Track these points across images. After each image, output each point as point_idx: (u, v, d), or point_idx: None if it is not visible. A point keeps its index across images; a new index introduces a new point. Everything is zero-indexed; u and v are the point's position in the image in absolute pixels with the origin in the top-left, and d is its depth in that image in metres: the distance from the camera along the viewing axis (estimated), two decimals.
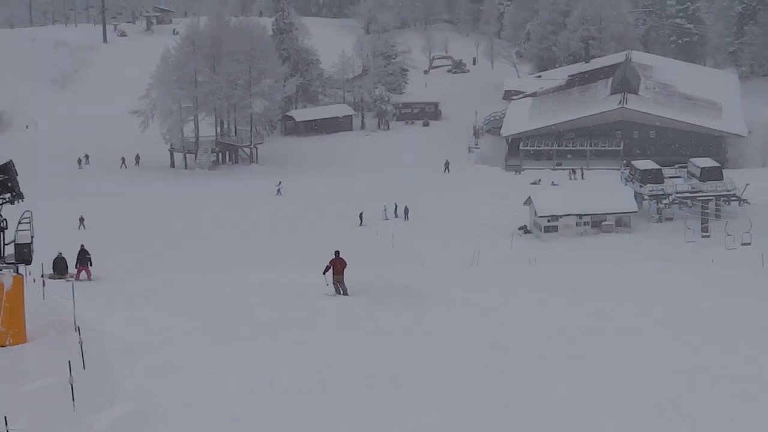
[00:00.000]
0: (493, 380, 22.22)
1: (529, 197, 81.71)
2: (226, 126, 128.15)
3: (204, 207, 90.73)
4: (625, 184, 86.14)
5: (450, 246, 71.01)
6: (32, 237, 27.85)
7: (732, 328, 30.96)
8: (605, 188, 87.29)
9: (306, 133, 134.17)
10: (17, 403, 19.85)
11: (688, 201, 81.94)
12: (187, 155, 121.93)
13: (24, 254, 27.46)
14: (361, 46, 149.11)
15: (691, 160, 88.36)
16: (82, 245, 44.79)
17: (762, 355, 26.85)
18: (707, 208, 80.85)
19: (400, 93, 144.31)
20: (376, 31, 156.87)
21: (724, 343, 28.53)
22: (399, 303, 34.50)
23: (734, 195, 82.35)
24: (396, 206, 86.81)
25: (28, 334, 25.72)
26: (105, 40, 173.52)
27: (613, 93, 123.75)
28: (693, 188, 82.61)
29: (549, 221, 79.21)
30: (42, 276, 38.71)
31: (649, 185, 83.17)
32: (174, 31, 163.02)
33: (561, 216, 79.40)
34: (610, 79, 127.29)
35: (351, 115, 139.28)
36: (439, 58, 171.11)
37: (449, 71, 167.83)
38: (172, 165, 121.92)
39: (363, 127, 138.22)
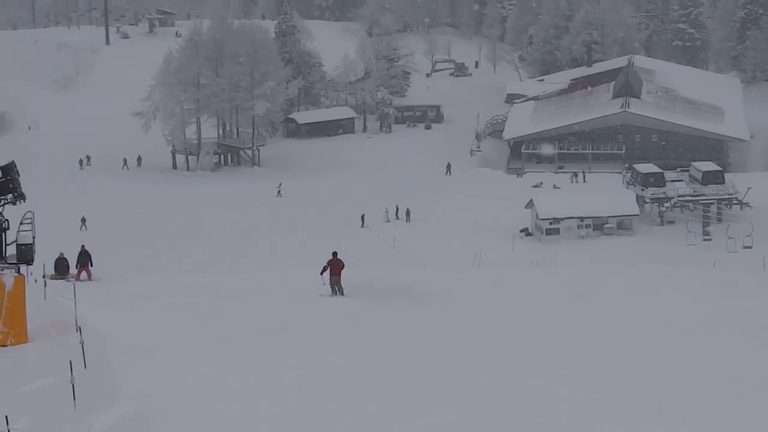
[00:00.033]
0: (493, 381, 22.23)
1: (531, 200, 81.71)
2: (228, 128, 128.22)
3: (205, 208, 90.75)
4: (627, 188, 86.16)
5: (451, 248, 71.00)
6: (34, 237, 27.89)
7: (732, 329, 30.98)
8: (607, 191, 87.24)
9: (308, 135, 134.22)
10: (18, 402, 19.88)
11: (690, 204, 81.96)
12: (189, 157, 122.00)
13: (25, 255, 27.51)
14: (364, 49, 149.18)
15: (693, 163, 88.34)
16: (83, 246, 44.91)
17: (762, 356, 26.86)
18: (709, 212, 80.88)
19: (403, 96, 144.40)
20: (378, 34, 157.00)
21: (725, 344, 28.56)
22: (399, 303, 34.55)
23: (736, 198, 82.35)
24: (397, 208, 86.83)
25: (29, 334, 25.76)
26: (107, 42, 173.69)
27: (615, 97, 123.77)
28: (695, 192, 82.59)
29: (551, 224, 79.19)
30: (43, 276, 38.76)
31: (650, 189, 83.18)
32: (177, 33, 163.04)
33: (563, 219, 79.38)
34: (613, 83, 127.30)
35: (353, 118, 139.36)
36: (441, 62, 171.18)
37: (451, 74, 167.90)
38: (174, 167, 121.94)
39: (365, 129, 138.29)
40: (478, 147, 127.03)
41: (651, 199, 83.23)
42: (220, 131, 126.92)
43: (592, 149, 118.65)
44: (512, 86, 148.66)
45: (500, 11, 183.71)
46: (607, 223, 79.93)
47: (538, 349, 26.66)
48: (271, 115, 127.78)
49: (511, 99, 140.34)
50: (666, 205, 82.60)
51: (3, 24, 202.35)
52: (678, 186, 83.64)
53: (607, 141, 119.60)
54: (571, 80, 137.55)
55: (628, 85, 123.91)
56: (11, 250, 27.75)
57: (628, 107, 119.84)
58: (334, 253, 37.31)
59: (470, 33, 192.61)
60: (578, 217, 79.78)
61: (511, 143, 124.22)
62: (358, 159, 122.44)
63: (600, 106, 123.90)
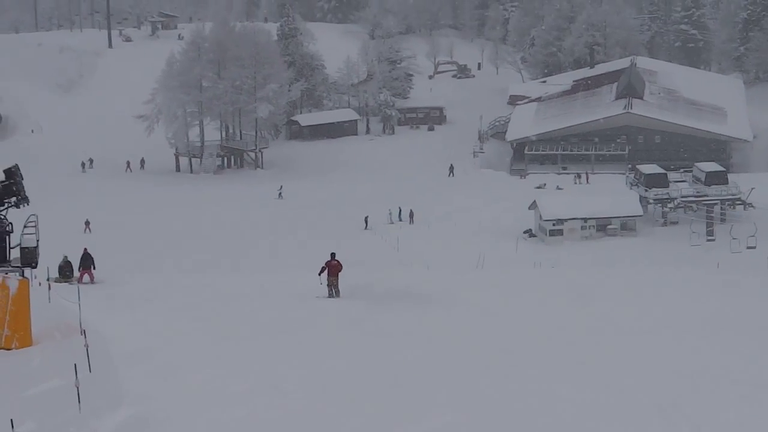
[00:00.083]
0: (495, 382, 22.22)
1: (534, 201, 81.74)
2: (231, 130, 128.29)
3: (207, 210, 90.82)
4: (630, 189, 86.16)
5: (455, 249, 71.03)
6: (38, 241, 27.93)
7: (734, 330, 30.97)
8: (610, 192, 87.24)
9: (311, 137, 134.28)
10: (23, 406, 19.87)
11: (693, 205, 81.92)
12: (192, 159, 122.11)
13: (30, 258, 27.55)
14: (366, 51, 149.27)
15: (696, 164, 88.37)
16: (85, 249, 44.99)
17: (764, 357, 26.86)
18: (712, 212, 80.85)
19: (405, 98, 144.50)
20: (381, 37, 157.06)
21: (727, 345, 28.54)
22: (402, 305, 34.56)
23: (739, 199, 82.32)
24: (400, 210, 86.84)
25: (33, 337, 25.75)
26: (110, 45, 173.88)
27: (618, 98, 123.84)
28: (698, 192, 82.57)
29: (554, 225, 79.22)
30: (47, 279, 38.77)
31: (654, 189, 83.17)
32: (179, 36, 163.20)
33: (566, 220, 79.41)
34: (615, 85, 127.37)
35: (356, 120, 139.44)
36: (444, 63, 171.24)
37: (454, 76, 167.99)
38: (177, 169, 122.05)
39: (368, 131, 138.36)
40: (481, 148, 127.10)
41: (654, 199, 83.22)
42: (223, 134, 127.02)
43: (595, 150, 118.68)
44: (515, 88, 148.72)
45: (502, 13, 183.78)
46: (610, 224, 79.93)
47: (541, 351, 26.64)
48: (274, 118, 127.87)
49: (513, 100, 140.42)
50: (669, 205, 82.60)
51: (6, 27, 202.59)
52: (681, 187, 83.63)
53: (610, 142, 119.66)
54: (573, 81, 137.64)
55: (630, 87, 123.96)
56: (15, 254, 27.79)
57: (631, 108, 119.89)
58: (332, 254, 37.41)
59: (472, 35, 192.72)
60: (581, 218, 79.79)
61: (514, 144, 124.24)
62: (361, 161, 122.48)
63: (603, 108, 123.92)
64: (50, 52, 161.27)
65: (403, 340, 27.87)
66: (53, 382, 21.34)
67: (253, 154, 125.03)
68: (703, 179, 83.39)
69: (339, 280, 37.05)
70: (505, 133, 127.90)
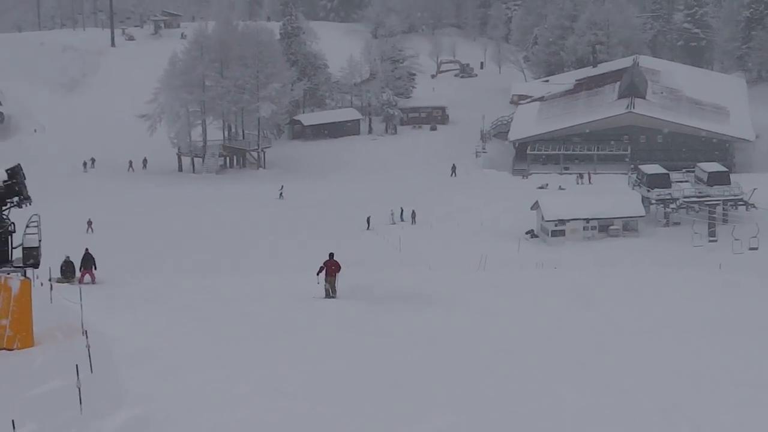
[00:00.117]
0: (497, 384, 22.24)
1: (537, 201, 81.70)
2: (233, 130, 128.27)
3: (209, 210, 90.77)
4: (633, 189, 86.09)
5: (457, 249, 70.98)
6: (40, 241, 27.93)
7: (736, 331, 30.97)
8: (612, 192, 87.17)
9: (313, 137, 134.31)
10: (24, 406, 19.89)
11: (696, 205, 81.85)
12: (195, 159, 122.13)
13: (32, 258, 27.54)
14: (369, 50, 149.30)
15: (699, 164, 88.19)
16: (87, 249, 45.03)
17: (766, 358, 26.84)
18: (714, 213, 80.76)
19: (408, 97, 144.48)
20: (383, 36, 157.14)
21: (728, 346, 28.54)
22: (404, 306, 34.57)
23: (742, 199, 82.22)
24: (402, 210, 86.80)
25: (35, 337, 25.77)
26: (113, 44, 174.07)
27: (620, 97, 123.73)
28: (700, 193, 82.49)
29: (556, 225, 79.15)
30: (49, 280, 38.80)
31: (656, 190, 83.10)
32: (182, 35, 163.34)
33: (568, 220, 79.35)
34: (618, 84, 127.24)
35: (358, 120, 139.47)
36: (446, 63, 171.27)
37: (457, 75, 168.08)
38: (180, 169, 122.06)
39: (370, 131, 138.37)
40: (484, 148, 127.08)
41: (656, 200, 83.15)
42: (226, 133, 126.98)
43: (598, 150, 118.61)
44: (517, 87, 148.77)
45: (505, 12, 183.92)
46: (612, 224, 79.86)
47: (542, 352, 26.67)
48: (277, 117, 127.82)
49: (516, 100, 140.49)
50: (671, 206, 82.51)
51: (8, 26, 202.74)
52: (683, 187, 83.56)
53: (613, 142, 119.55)
54: (576, 81, 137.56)
55: (633, 86, 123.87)
56: (17, 254, 27.79)
57: (634, 108, 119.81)
58: (331, 254, 37.48)
59: (475, 34, 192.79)
60: (584, 219, 79.71)
61: (517, 144, 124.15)
62: (363, 161, 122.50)
63: (605, 107, 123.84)
64: (53, 51, 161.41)
65: (405, 340, 27.89)
66: (55, 382, 21.36)
67: (255, 154, 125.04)
68: (705, 179, 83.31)
69: (337, 280, 37.10)
70: (507, 132, 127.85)
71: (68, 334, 26.35)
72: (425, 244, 74.50)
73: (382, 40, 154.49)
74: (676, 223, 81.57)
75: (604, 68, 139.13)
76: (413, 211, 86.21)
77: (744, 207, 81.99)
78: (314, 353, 25.51)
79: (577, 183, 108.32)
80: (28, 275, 27.64)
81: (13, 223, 27.58)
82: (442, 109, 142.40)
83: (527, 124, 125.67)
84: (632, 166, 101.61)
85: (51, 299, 31.21)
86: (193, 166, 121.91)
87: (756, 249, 69.06)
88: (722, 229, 77.49)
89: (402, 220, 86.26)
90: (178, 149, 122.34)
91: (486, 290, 40.22)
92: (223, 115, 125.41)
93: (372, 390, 21.49)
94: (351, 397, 20.85)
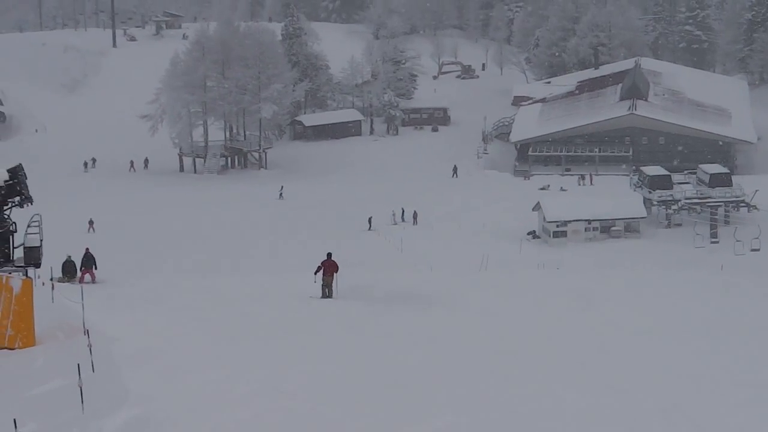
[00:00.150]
0: (498, 385, 22.21)
1: (538, 203, 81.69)
2: (235, 130, 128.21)
3: (210, 210, 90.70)
4: (634, 190, 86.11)
5: (458, 250, 70.98)
6: (41, 240, 27.93)
7: (737, 332, 30.94)
8: (614, 194, 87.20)
9: (315, 138, 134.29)
10: (26, 406, 19.88)
11: (697, 207, 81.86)
12: (196, 160, 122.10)
13: (33, 257, 27.54)
14: (371, 51, 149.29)
15: (700, 166, 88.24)
16: (87, 249, 45.05)
17: (767, 359, 26.86)
18: (716, 214, 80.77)
19: (409, 98, 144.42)
20: (385, 37, 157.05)
21: (730, 347, 28.52)
22: (405, 306, 34.54)
23: (743, 201, 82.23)
24: (403, 211, 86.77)
25: (37, 337, 25.76)
26: (114, 44, 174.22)
27: (622, 99, 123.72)
28: (702, 194, 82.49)
29: (558, 227, 79.16)
30: (51, 279, 38.80)
31: (658, 191, 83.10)
32: (183, 35, 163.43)
33: (570, 221, 79.36)
34: (620, 86, 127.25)
35: (360, 121, 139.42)
36: (448, 64, 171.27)
37: (458, 77, 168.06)
38: (181, 169, 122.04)
39: (372, 132, 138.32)
40: (485, 149, 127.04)
41: (658, 201, 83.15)
42: (227, 134, 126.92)
43: (599, 152, 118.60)
44: (519, 88, 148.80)
45: (507, 13, 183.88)
46: (614, 225, 79.86)
47: (544, 353, 26.64)
48: (278, 118, 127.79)
49: (517, 101, 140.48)
50: (673, 207, 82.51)
51: (10, 26, 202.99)
52: (685, 188, 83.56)
53: (614, 143, 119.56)
54: (578, 82, 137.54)
55: (635, 88, 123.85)
56: (19, 253, 27.79)
57: (635, 109, 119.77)
58: (329, 254, 37.52)
59: (477, 35, 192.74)
60: (585, 220, 79.73)
61: (518, 146, 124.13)
62: (365, 161, 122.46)
63: (607, 109, 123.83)
64: (54, 51, 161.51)
65: (405, 341, 27.86)
66: (56, 382, 21.35)
67: (256, 155, 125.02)
68: (707, 181, 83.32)
69: (335, 281, 37.13)
70: (509, 134, 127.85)
71: (69, 333, 26.35)
72: (426, 244, 74.49)
73: (384, 41, 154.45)
74: (678, 225, 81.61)
75: (605, 70, 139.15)
76: (415, 212, 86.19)
77: (745, 208, 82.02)
78: (315, 353, 25.48)
79: (579, 184, 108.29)
80: (29, 275, 27.62)
81: (14, 222, 27.57)
82: (444, 110, 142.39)
83: (529, 125, 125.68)
84: (634, 167, 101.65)
85: (52, 299, 31.21)
86: (195, 166, 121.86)
87: (758, 250, 69.11)
88: (724, 230, 77.50)
89: (403, 220, 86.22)
90: (180, 149, 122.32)
91: (488, 291, 40.18)
92: (225, 116, 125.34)
93: (373, 390, 21.47)
94: (352, 398, 20.82)
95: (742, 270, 56.00)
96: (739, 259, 66.95)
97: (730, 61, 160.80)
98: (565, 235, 79.01)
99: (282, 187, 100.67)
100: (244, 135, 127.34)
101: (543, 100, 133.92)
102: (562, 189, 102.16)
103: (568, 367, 24.72)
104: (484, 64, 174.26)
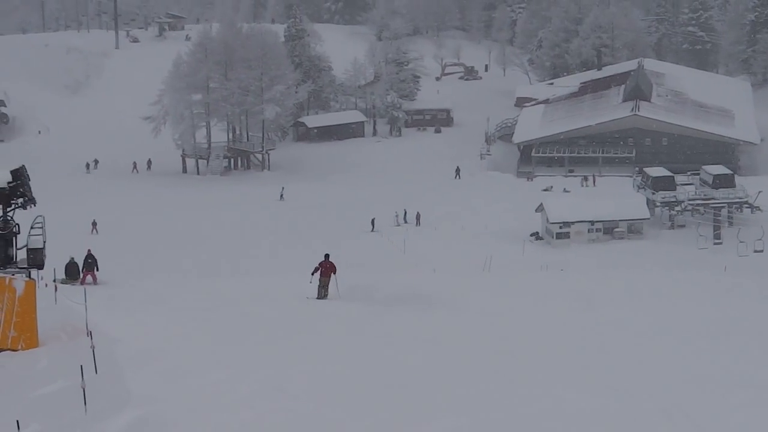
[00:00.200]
0: (501, 386, 22.18)
1: (541, 204, 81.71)
2: (237, 132, 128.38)
3: (212, 212, 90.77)
4: (637, 191, 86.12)
5: (461, 252, 71.00)
6: (44, 242, 27.90)
7: (740, 334, 30.92)
8: (617, 195, 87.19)
9: (318, 139, 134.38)
10: (29, 407, 19.87)
11: (701, 208, 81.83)
12: (199, 161, 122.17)
13: (36, 259, 27.51)
14: (373, 52, 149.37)
15: (704, 167, 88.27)
16: (89, 250, 45.09)
17: None
18: (719, 216, 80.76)
19: (412, 100, 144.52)
20: (388, 38, 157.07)
21: (733, 349, 28.50)
22: (408, 308, 34.53)
23: (747, 202, 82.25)
24: (406, 212, 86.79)
25: (40, 338, 25.74)
26: (117, 46, 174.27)
27: (625, 100, 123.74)
28: (705, 195, 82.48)
29: (561, 228, 79.19)
30: (54, 281, 38.80)
31: (661, 192, 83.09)
32: (186, 37, 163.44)
33: (573, 223, 79.36)
34: (623, 87, 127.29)
35: (363, 122, 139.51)
36: (451, 65, 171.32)
37: (461, 78, 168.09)
38: (184, 170, 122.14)
39: (375, 133, 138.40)
40: (488, 150, 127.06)
41: (661, 202, 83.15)
42: (230, 135, 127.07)
43: (602, 153, 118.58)
44: (522, 90, 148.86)
45: (510, 14, 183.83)
46: (617, 227, 79.86)
47: (547, 355, 26.62)
48: (281, 119, 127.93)
49: (520, 102, 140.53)
50: (676, 208, 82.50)
51: (13, 28, 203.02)
52: (688, 189, 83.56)
53: (617, 144, 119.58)
54: (581, 83, 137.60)
55: (638, 89, 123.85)
56: (22, 255, 27.77)
57: (638, 111, 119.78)
58: (326, 255, 37.59)
59: (480, 36, 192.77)
60: (588, 221, 79.74)
61: (521, 147, 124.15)
62: (368, 163, 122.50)
63: (610, 110, 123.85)
64: (57, 52, 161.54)
65: (408, 342, 27.83)
66: (59, 383, 21.34)
67: (259, 156, 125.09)
68: (710, 182, 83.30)
69: (331, 282, 37.18)
70: (512, 135, 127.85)
71: (72, 335, 26.34)
72: (429, 245, 74.50)
73: (387, 42, 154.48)
74: (681, 226, 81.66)
75: (608, 71, 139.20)
76: (417, 213, 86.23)
77: (749, 210, 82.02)
78: (317, 354, 25.46)
79: (582, 185, 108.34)
80: (32, 276, 27.61)
81: (17, 224, 27.55)
82: (447, 111, 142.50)
83: (532, 126, 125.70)
84: (637, 168, 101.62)
85: (55, 300, 31.22)
86: (198, 167, 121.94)
87: (761, 251, 69.14)
88: (727, 231, 77.50)
89: (406, 222, 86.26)
90: (183, 151, 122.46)
91: (492, 292, 40.17)
92: (228, 117, 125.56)
93: (375, 391, 21.44)
94: (354, 399, 20.80)
95: (745, 271, 56.00)
96: (743, 260, 66.97)
97: (733, 62, 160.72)
98: (568, 237, 79.03)
99: (283, 188, 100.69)
100: (247, 136, 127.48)
101: (546, 102, 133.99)
102: (565, 190, 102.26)
103: (570, 368, 24.70)
104: (487, 66, 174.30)
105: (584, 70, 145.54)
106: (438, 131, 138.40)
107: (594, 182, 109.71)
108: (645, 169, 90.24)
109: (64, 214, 74.21)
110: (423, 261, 64.85)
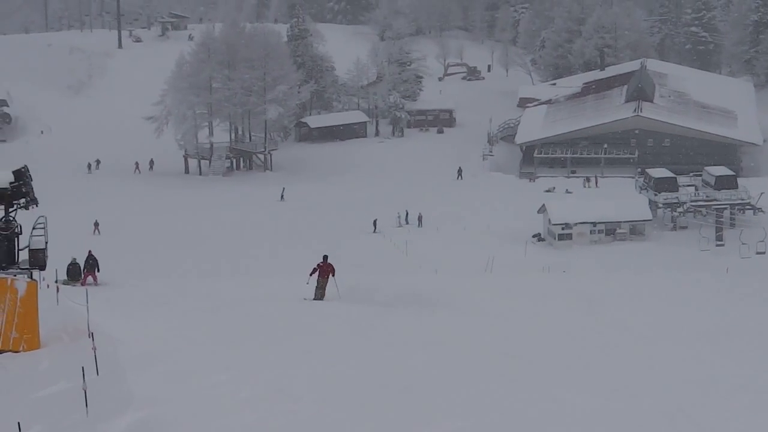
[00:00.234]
0: (503, 388, 22.16)
1: (543, 205, 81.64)
2: (240, 132, 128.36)
3: (215, 212, 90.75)
4: (640, 192, 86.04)
5: (464, 253, 70.94)
6: (46, 242, 27.90)
7: (743, 336, 30.90)
8: (619, 196, 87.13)
9: (320, 139, 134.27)
10: (30, 408, 19.88)
11: (703, 209, 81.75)
12: (202, 161, 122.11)
13: (38, 260, 27.51)
14: (376, 53, 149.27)
15: (706, 168, 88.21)
16: (90, 251, 45.08)
17: None
18: (722, 217, 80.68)
19: (415, 100, 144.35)
20: (390, 38, 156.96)
21: (735, 351, 28.49)
22: (411, 309, 34.50)
23: (749, 204, 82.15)
24: (407, 213, 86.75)
25: (41, 339, 25.76)
26: (120, 45, 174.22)
27: (627, 101, 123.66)
28: (707, 197, 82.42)
29: (563, 229, 79.09)
30: (56, 282, 38.78)
31: (663, 193, 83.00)
32: (189, 37, 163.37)
33: (575, 224, 79.28)
34: (625, 87, 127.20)
35: (365, 122, 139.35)
36: (453, 65, 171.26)
37: (464, 78, 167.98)
38: (187, 171, 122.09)
39: (377, 134, 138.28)
40: (491, 151, 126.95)
41: (664, 204, 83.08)
42: (233, 135, 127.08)
43: (605, 153, 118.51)
44: (525, 90, 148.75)
45: (512, 15, 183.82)
46: (619, 228, 79.79)
47: (549, 356, 26.61)
48: (283, 120, 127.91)
49: (523, 103, 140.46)
50: (679, 210, 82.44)
51: (15, 28, 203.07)
52: (690, 191, 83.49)
53: (620, 145, 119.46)
54: (583, 84, 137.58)
55: (640, 89, 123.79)
56: (24, 255, 27.77)
57: (641, 111, 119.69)
58: (325, 257, 37.60)
59: (482, 37, 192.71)
60: (591, 223, 79.67)
61: (524, 147, 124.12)
62: (370, 163, 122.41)
63: (613, 111, 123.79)
64: (60, 52, 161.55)
65: (411, 344, 27.80)
66: (61, 385, 21.36)
67: (262, 156, 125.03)
68: (712, 183, 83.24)
69: (329, 283, 37.18)
70: (514, 135, 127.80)
71: (74, 336, 26.34)
72: (431, 247, 74.46)
73: (389, 42, 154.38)
74: (684, 227, 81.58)
75: (611, 71, 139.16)
76: (419, 214, 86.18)
77: (751, 211, 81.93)
78: (320, 356, 25.44)
79: (584, 186, 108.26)
80: (34, 277, 27.61)
81: (19, 225, 27.56)
82: (449, 111, 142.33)
83: (534, 127, 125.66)
84: (639, 169, 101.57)
85: (57, 301, 31.21)
86: (200, 168, 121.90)
87: (763, 253, 69.07)
88: (729, 233, 77.43)
89: (408, 222, 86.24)
90: (185, 151, 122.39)
91: (494, 294, 40.14)
92: (230, 117, 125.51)
93: (378, 393, 21.43)
94: (357, 401, 20.79)
95: (747, 273, 55.96)
96: (745, 262, 66.89)
97: (736, 63, 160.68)
98: (571, 238, 78.93)
99: (284, 188, 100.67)
100: (250, 137, 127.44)
101: (549, 102, 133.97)
102: (567, 191, 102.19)
103: (573, 370, 24.69)
104: (489, 66, 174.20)
105: (587, 71, 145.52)
106: (440, 132, 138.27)
107: (596, 183, 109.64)
108: (647, 170, 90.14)
109: (66, 215, 74.22)
110: (425, 262, 64.83)
